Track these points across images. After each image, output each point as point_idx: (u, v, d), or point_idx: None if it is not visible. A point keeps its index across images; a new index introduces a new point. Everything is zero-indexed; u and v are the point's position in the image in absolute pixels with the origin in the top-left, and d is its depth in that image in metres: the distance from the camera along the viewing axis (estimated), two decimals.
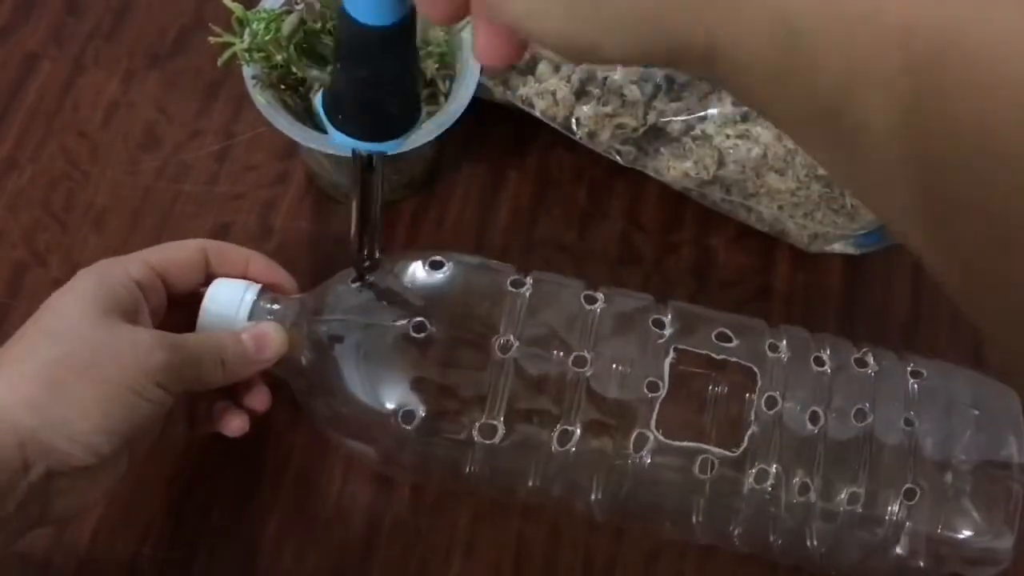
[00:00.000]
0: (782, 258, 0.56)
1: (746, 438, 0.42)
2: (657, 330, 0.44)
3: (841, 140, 0.23)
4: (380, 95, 0.35)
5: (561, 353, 0.43)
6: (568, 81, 0.52)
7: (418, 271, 0.44)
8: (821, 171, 0.51)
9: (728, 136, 0.51)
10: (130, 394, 0.38)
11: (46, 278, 0.54)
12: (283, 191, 0.56)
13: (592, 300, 0.45)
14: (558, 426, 0.42)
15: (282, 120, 0.50)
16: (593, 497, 0.44)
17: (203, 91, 0.59)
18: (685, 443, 0.42)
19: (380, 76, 0.34)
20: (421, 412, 0.42)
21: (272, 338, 0.43)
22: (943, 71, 0.20)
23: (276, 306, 0.44)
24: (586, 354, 0.43)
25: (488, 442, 0.42)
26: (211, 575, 0.47)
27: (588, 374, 0.42)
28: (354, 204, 0.41)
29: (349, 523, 0.48)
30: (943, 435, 0.42)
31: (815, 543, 0.43)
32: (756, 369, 0.43)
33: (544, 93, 0.52)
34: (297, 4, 0.52)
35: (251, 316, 0.44)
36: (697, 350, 0.43)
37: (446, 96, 0.52)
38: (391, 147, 0.37)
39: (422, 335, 0.42)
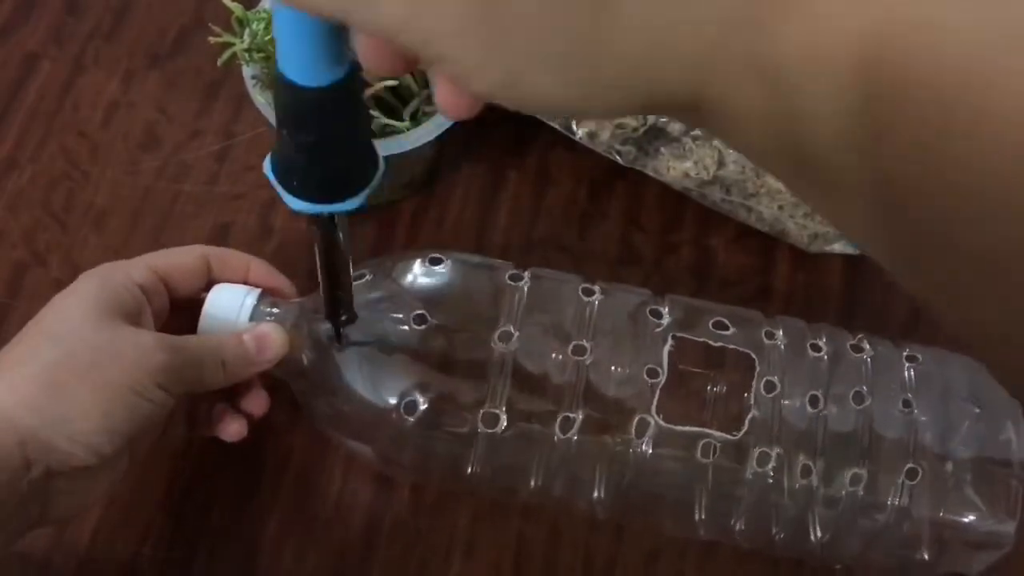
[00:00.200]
0: (782, 258, 0.56)
1: (747, 421, 0.42)
2: (655, 319, 0.44)
3: (814, 180, 0.23)
4: (333, 157, 0.32)
5: (561, 343, 0.43)
6: None
7: (417, 268, 0.45)
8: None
9: None
10: (131, 395, 0.38)
11: (46, 278, 0.54)
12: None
13: (590, 292, 0.45)
14: (560, 414, 0.42)
15: None
16: (595, 494, 0.44)
17: (203, 91, 0.59)
18: (686, 428, 0.42)
19: (330, 138, 0.31)
20: (423, 403, 0.42)
21: (273, 338, 0.43)
22: (898, 103, 0.20)
23: (276, 309, 0.45)
24: (585, 343, 0.43)
25: (491, 431, 0.42)
26: (211, 575, 0.47)
27: (588, 362, 0.43)
28: (320, 265, 0.39)
29: (349, 523, 0.48)
30: (942, 422, 0.43)
31: (818, 533, 0.43)
32: (754, 355, 0.43)
33: None
34: None
35: (251, 320, 0.44)
36: (695, 338, 0.44)
37: None
38: (353, 204, 0.33)
39: (423, 327, 0.43)
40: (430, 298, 0.44)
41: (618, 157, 0.53)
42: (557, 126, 0.53)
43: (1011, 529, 0.42)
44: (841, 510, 0.42)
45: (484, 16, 0.22)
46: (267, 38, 0.50)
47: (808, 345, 0.45)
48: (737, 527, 0.44)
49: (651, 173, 0.54)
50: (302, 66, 0.28)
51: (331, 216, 0.35)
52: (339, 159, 0.32)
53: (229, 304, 0.44)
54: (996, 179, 0.19)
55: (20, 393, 0.37)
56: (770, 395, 0.42)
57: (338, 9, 0.23)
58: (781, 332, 0.45)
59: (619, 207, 0.57)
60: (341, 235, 0.37)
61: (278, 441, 0.50)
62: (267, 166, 0.33)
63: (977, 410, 0.43)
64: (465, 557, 0.48)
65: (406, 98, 0.53)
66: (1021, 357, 0.21)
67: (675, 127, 0.52)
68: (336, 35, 0.27)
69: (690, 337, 0.44)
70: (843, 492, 0.42)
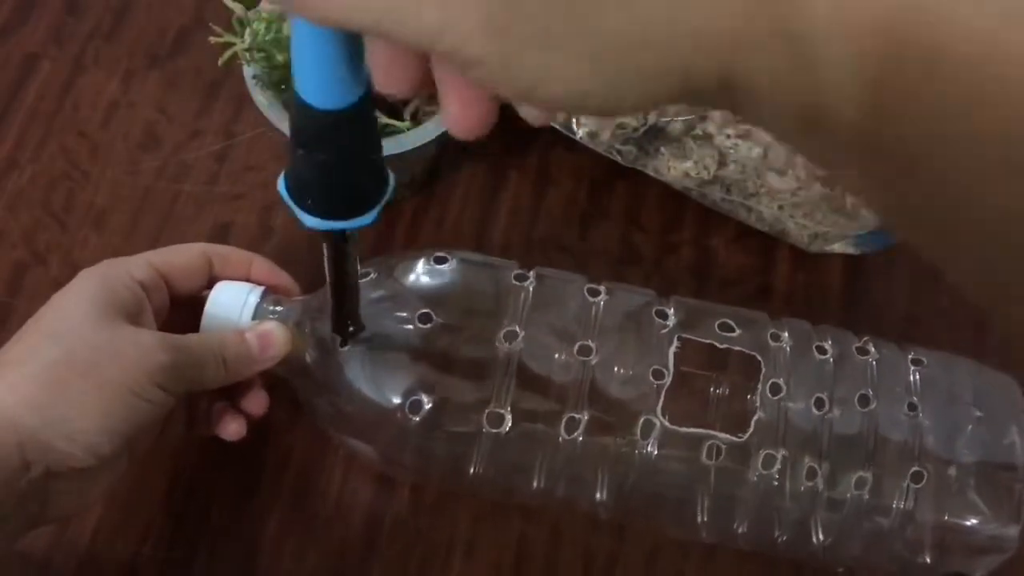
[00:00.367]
0: (782, 258, 0.56)
1: (752, 423, 0.42)
2: (661, 320, 0.44)
3: (831, 142, 0.23)
4: (347, 175, 0.33)
5: (566, 343, 0.43)
6: None
7: (422, 267, 0.45)
8: (821, 171, 0.51)
9: (728, 136, 0.51)
10: (131, 395, 0.38)
11: (46, 278, 0.53)
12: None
13: (595, 293, 0.45)
14: (565, 414, 0.42)
15: (283, 120, 0.49)
16: (598, 495, 0.44)
17: (203, 91, 0.59)
18: (691, 429, 0.42)
19: (345, 158, 0.32)
20: (427, 403, 0.42)
21: (276, 336, 0.43)
22: (921, 72, 0.21)
23: (279, 308, 0.45)
24: (591, 343, 0.43)
25: (495, 431, 0.42)
26: (211, 575, 0.47)
27: (593, 363, 0.43)
28: (329, 278, 0.39)
29: (349, 523, 0.48)
30: (946, 426, 0.43)
31: (820, 536, 0.43)
32: (759, 357, 0.43)
33: None
34: None
35: (254, 318, 0.44)
36: (701, 339, 0.43)
37: None
38: (366, 220, 0.34)
39: (427, 326, 0.42)
40: (435, 297, 0.44)
41: (618, 157, 0.53)
42: (557, 126, 0.53)
43: (1015, 533, 0.42)
44: (845, 513, 0.42)
45: (517, 16, 0.22)
46: (267, 38, 0.50)
47: (814, 347, 0.45)
48: (740, 530, 0.44)
49: (651, 173, 0.54)
50: (320, 89, 0.28)
51: (343, 232, 0.35)
52: (353, 177, 0.33)
53: (231, 302, 0.44)
54: (1018, 144, 0.20)
55: (19, 393, 0.37)
56: (776, 397, 0.42)
57: (369, 21, 0.23)
58: (787, 334, 0.45)
59: (619, 207, 0.57)
60: (352, 250, 0.38)
61: (278, 440, 0.50)
62: (281, 184, 0.34)
63: (981, 414, 0.43)
64: (465, 557, 0.48)
65: (406, 98, 0.53)
66: None
67: (675, 127, 0.52)
68: (353, 57, 0.27)
69: (696, 339, 0.43)
70: (848, 495, 0.42)
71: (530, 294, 0.44)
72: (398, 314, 0.43)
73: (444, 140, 0.51)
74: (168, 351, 0.39)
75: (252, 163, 0.57)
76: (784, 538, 0.43)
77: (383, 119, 0.51)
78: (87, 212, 0.56)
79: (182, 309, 0.45)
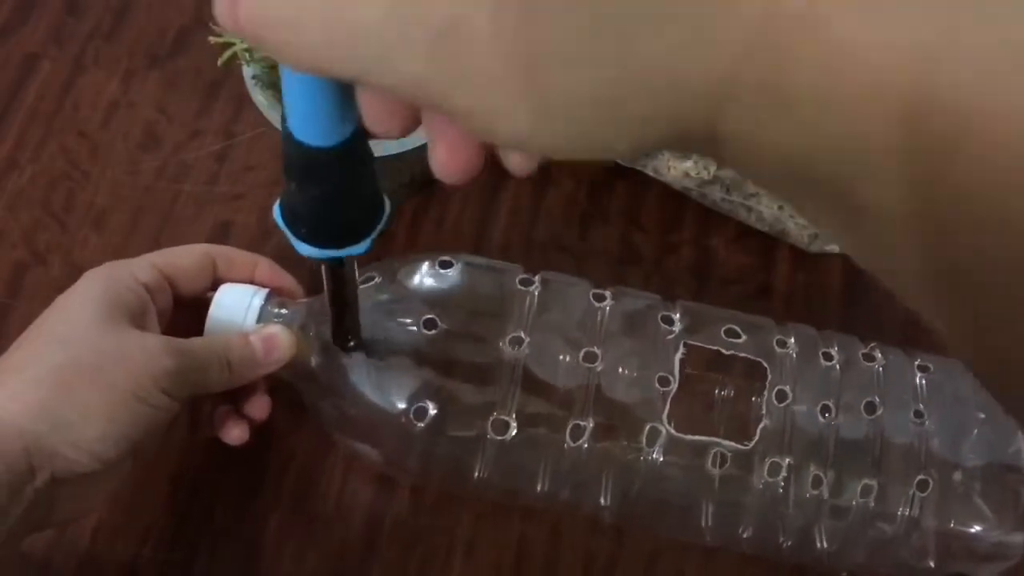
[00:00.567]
0: (782, 258, 0.56)
1: (758, 431, 0.42)
2: (666, 326, 0.44)
3: (848, 218, 0.22)
4: (341, 208, 0.33)
5: (572, 349, 0.43)
6: None
7: (427, 271, 0.45)
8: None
9: None
10: (136, 400, 0.38)
11: (46, 278, 0.53)
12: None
13: (601, 298, 0.45)
14: (570, 421, 0.42)
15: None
16: (602, 501, 0.44)
17: (203, 91, 0.59)
18: (697, 437, 0.42)
19: (337, 192, 0.32)
20: (432, 409, 0.42)
21: (281, 340, 0.43)
22: (952, 154, 0.19)
23: (284, 310, 0.44)
24: (596, 350, 0.43)
25: (500, 438, 0.42)
26: (212, 575, 0.47)
27: (599, 369, 0.43)
28: (328, 299, 0.39)
29: (349, 523, 0.48)
30: (952, 432, 0.42)
31: (824, 544, 0.43)
32: (766, 364, 0.43)
33: None
34: None
35: (259, 321, 0.44)
36: (707, 346, 0.43)
37: None
38: (361, 249, 0.35)
39: (432, 331, 0.42)
40: (439, 302, 0.44)
41: None
42: None
43: (1020, 540, 0.42)
44: (850, 521, 0.42)
45: (505, 66, 0.22)
46: None
47: (820, 353, 0.44)
48: (744, 535, 0.43)
49: (651, 173, 0.54)
50: (311, 127, 0.28)
51: (339, 259, 0.35)
52: (346, 210, 0.33)
53: (236, 304, 0.44)
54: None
55: (25, 399, 0.37)
56: (782, 404, 0.42)
57: (354, 71, 0.23)
58: (793, 340, 0.44)
59: (619, 207, 0.57)
60: (349, 273, 0.38)
61: (279, 442, 0.49)
62: (276, 213, 0.34)
63: (986, 420, 0.43)
64: (465, 557, 0.48)
65: None
66: None
67: None
68: (344, 97, 0.27)
69: (702, 345, 0.43)
70: (853, 503, 0.42)
71: (535, 299, 0.44)
72: (402, 319, 0.43)
73: None
74: (173, 355, 0.39)
75: (252, 163, 0.57)
76: (788, 544, 0.43)
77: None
78: (87, 212, 0.56)
79: (186, 311, 0.44)
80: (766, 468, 0.42)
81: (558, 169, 0.58)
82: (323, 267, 0.37)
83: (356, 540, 0.48)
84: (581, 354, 0.43)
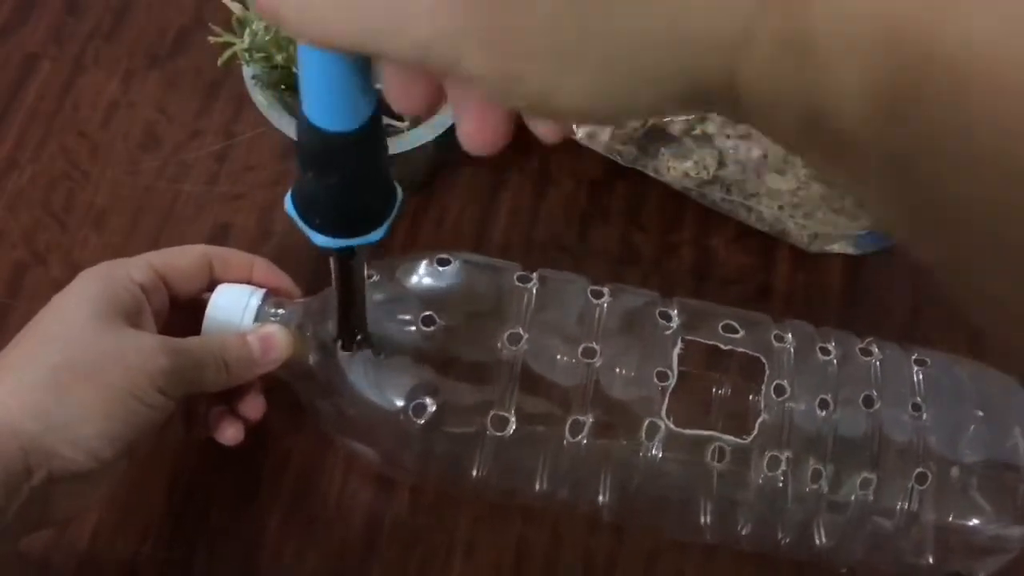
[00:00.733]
0: (782, 258, 0.56)
1: (757, 425, 0.42)
2: (664, 322, 0.44)
3: (856, 166, 0.23)
4: (356, 195, 0.33)
5: (570, 345, 0.43)
6: None
7: (425, 269, 0.45)
8: (820, 174, 0.51)
9: (728, 136, 0.51)
10: (132, 399, 0.38)
11: (46, 278, 0.53)
12: (283, 191, 0.55)
13: (599, 295, 0.45)
14: (569, 417, 0.42)
15: (282, 120, 0.49)
16: (601, 498, 0.44)
17: (203, 91, 0.59)
18: (696, 431, 0.42)
19: (354, 179, 0.32)
20: (431, 406, 0.42)
21: (278, 339, 0.43)
22: (963, 100, 0.20)
23: (281, 310, 0.44)
24: (595, 346, 0.43)
25: (499, 434, 0.42)
26: (211, 575, 0.47)
27: (597, 365, 0.43)
28: (336, 292, 0.39)
29: (349, 523, 0.48)
30: (949, 426, 0.43)
31: (823, 539, 0.43)
32: (763, 359, 0.43)
33: None
34: None
35: (256, 321, 0.44)
36: (705, 341, 0.43)
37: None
38: (375, 237, 0.35)
39: (430, 328, 0.42)
40: (438, 299, 0.44)
41: (618, 157, 0.53)
42: None
43: (1018, 533, 0.42)
44: (849, 515, 0.42)
45: (513, 26, 0.22)
46: (267, 38, 0.50)
47: (817, 348, 0.44)
48: (743, 531, 0.43)
49: (651, 173, 0.54)
50: (328, 112, 0.28)
51: (351, 248, 0.35)
52: (361, 196, 0.33)
53: (233, 305, 0.44)
54: (1013, 152, 0.19)
55: (21, 398, 0.37)
56: (780, 399, 0.42)
57: (364, 40, 0.23)
58: (790, 335, 0.45)
59: (619, 207, 0.57)
60: (359, 265, 0.38)
61: (278, 441, 0.49)
62: (288, 203, 0.34)
63: (984, 415, 0.43)
64: (465, 558, 0.48)
65: None
66: None
67: (675, 127, 0.52)
68: (362, 78, 0.27)
69: (700, 340, 0.43)
70: (852, 497, 0.42)
71: (533, 296, 0.44)
72: (401, 317, 0.43)
73: (444, 140, 0.51)
74: (169, 354, 0.39)
75: (252, 163, 0.57)
76: (787, 541, 0.43)
77: (383, 119, 0.51)
78: (87, 212, 0.56)
79: (182, 312, 0.44)
80: (765, 462, 0.42)
81: (558, 169, 0.58)
82: (332, 259, 0.37)
83: (356, 540, 0.48)
84: (579, 350, 0.43)
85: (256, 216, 0.56)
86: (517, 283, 0.45)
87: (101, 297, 0.40)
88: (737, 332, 0.44)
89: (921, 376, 0.44)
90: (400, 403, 0.42)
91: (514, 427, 0.42)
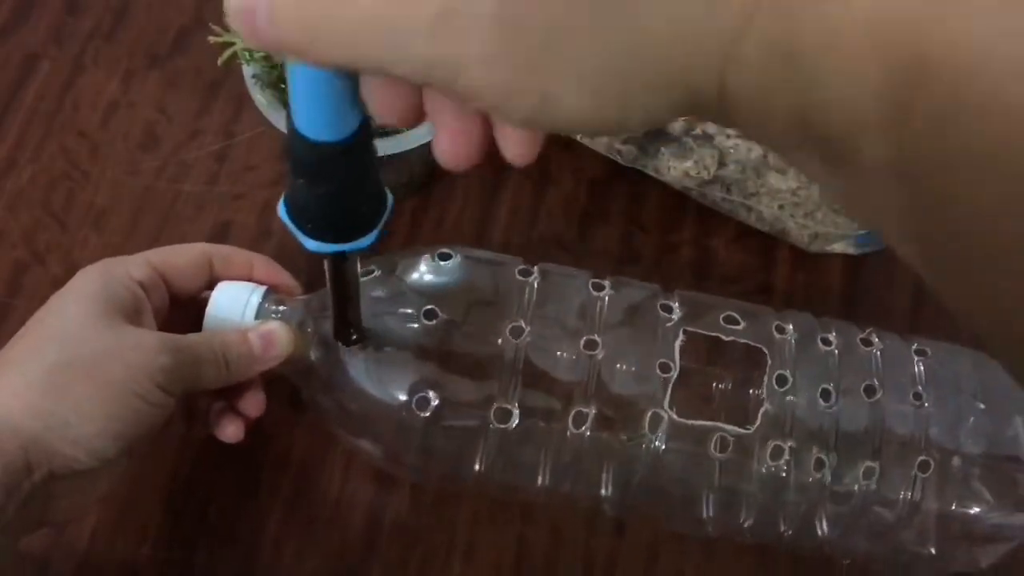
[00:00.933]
0: (782, 258, 0.56)
1: (759, 415, 0.42)
2: (666, 314, 0.44)
3: (849, 174, 0.23)
4: (346, 202, 0.33)
5: (572, 338, 0.43)
6: None
7: (427, 263, 0.45)
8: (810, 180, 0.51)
9: (729, 136, 0.51)
10: (133, 397, 0.38)
11: (46, 278, 0.54)
12: (283, 191, 0.56)
13: (600, 288, 0.45)
14: (572, 409, 0.42)
15: (282, 120, 0.49)
16: (604, 491, 0.44)
17: (203, 91, 0.59)
18: (699, 422, 0.42)
19: (344, 187, 0.32)
20: (434, 400, 0.42)
21: (279, 336, 0.43)
22: (954, 109, 0.20)
23: (282, 307, 0.44)
24: (597, 338, 0.43)
25: (503, 427, 0.42)
26: (211, 575, 0.47)
27: (600, 357, 0.43)
28: (331, 294, 0.39)
29: (349, 523, 0.48)
30: (950, 416, 0.43)
31: (825, 529, 0.43)
32: (765, 349, 0.43)
33: None
34: None
35: (257, 318, 0.44)
36: (707, 332, 0.43)
37: None
38: (366, 242, 0.35)
39: (433, 322, 0.42)
40: (440, 293, 0.44)
41: (618, 157, 0.53)
42: None
43: (1019, 522, 0.42)
44: (852, 505, 0.42)
45: (512, 43, 0.22)
46: None
47: (818, 339, 0.45)
48: (746, 523, 0.44)
49: (651, 173, 0.54)
50: (316, 123, 0.28)
51: (343, 253, 0.35)
52: (352, 205, 0.33)
53: (234, 302, 0.44)
54: (1011, 155, 0.19)
55: (21, 397, 0.37)
56: (782, 389, 0.42)
57: (366, 59, 0.23)
58: (791, 326, 0.45)
59: (619, 207, 0.57)
60: (352, 268, 0.38)
61: (278, 440, 0.50)
62: (281, 209, 0.34)
63: (985, 405, 0.43)
64: (465, 557, 0.47)
65: None
66: None
67: (675, 127, 0.52)
68: (349, 91, 0.27)
69: (702, 332, 0.44)
70: (855, 486, 0.42)
71: (535, 289, 0.44)
72: (403, 311, 0.43)
73: None
74: (169, 352, 0.39)
75: (252, 163, 0.57)
76: (790, 532, 0.43)
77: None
78: (87, 212, 0.56)
79: (182, 310, 0.44)
80: (768, 452, 0.42)
81: (558, 168, 0.58)
82: (326, 262, 0.37)
83: (356, 539, 0.48)
84: (582, 343, 0.43)
85: (256, 216, 0.56)
86: (519, 277, 0.45)
87: (100, 295, 0.40)
88: (738, 324, 0.44)
89: (922, 366, 0.44)
90: (403, 397, 0.42)
91: (517, 420, 0.42)
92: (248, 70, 0.51)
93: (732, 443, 0.42)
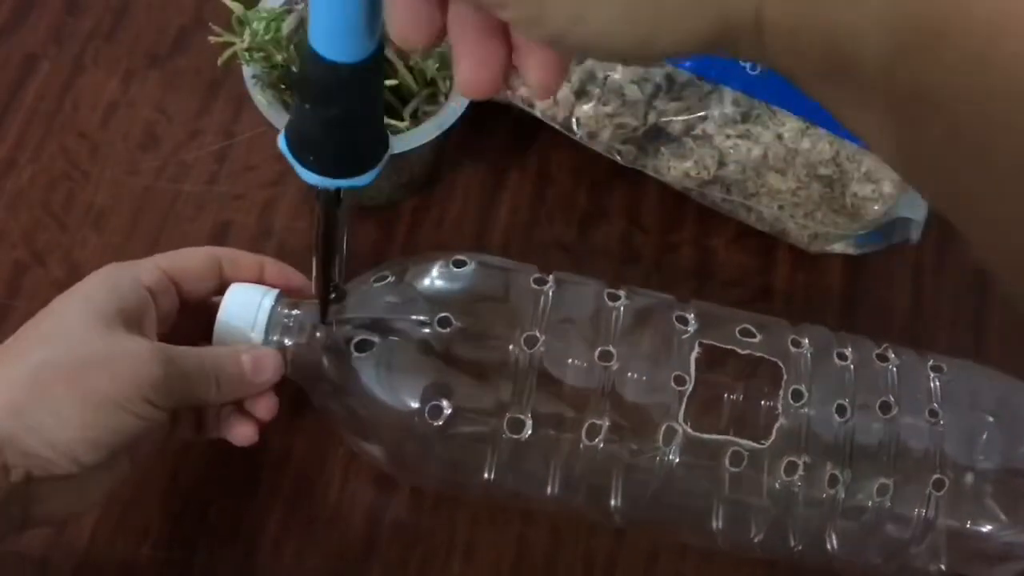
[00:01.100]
0: (782, 258, 0.56)
1: (774, 430, 0.42)
2: (681, 326, 0.44)
3: (866, 97, 0.23)
4: (353, 132, 0.33)
5: (586, 348, 0.43)
6: (568, 81, 0.52)
7: (440, 270, 0.44)
8: (822, 171, 0.51)
9: (728, 136, 0.51)
10: (117, 408, 0.37)
11: (46, 278, 0.53)
12: (283, 191, 0.56)
13: (615, 298, 0.45)
14: (585, 420, 0.42)
15: (282, 120, 0.49)
16: (613, 503, 0.43)
17: (203, 91, 0.59)
18: (714, 436, 0.42)
19: (353, 113, 0.32)
20: (447, 408, 0.42)
21: (268, 363, 0.42)
22: (943, 13, 0.21)
23: (296, 311, 0.44)
24: (611, 349, 0.43)
25: (515, 437, 0.42)
26: (211, 575, 0.47)
27: (614, 368, 0.42)
28: (316, 241, 0.39)
29: (349, 523, 0.48)
30: (964, 433, 0.42)
31: (836, 547, 0.42)
32: (781, 363, 0.43)
33: None
34: (297, 4, 0.52)
35: (270, 322, 0.43)
36: (722, 345, 0.43)
37: (446, 96, 0.52)
38: (364, 180, 0.35)
39: (446, 330, 0.42)
40: (454, 301, 0.43)
41: (618, 157, 0.53)
42: (557, 126, 0.53)
43: None
44: (866, 521, 0.42)
45: None
46: (267, 38, 0.50)
47: (834, 354, 0.44)
48: (756, 538, 0.43)
49: (651, 173, 0.54)
50: (336, 42, 0.29)
51: (337, 192, 0.35)
52: (357, 135, 0.33)
53: (246, 304, 0.43)
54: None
55: (4, 394, 0.36)
56: (797, 404, 0.42)
57: None
58: (807, 340, 0.44)
59: (619, 207, 0.57)
60: (343, 212, 0.38)
61: (278, 441, 0.49)
62: (281, 140, 0.34)
63: (996, 424, 0.43)
64: (465, 558, 0.47)
65: (406, 98, 0.53)
66: None
67: (675, 127, 0.52)
68: (370, 10, 0.28)
69: (717, 345, 0.43)
70: (869, 503, 0.42)
71: (550, 299, 0.44)
72: (416, 317, 0.43)
73: (444, 140, 0.51)
74: (162, 364, 0.38)
75: (252, 163, 0.57)
76: (800, 547, 0.43)
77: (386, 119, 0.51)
78: (87, 212, 0.56)
79: (192, 314, 0.44)
80: (783, 467, 0.41)
81: (558, 168, 0.58)
82: (318, 205, 0.37)
83: (356, 540, 0.48)
84: (596, 353, 0.43)
85: (256, 216, 0.56)
86: (533, 285, 0.44)
87: (104, 299, 0.40)
88: (754, 336, 0.44)
89: (937, 383, 0.44)
90: (415, 405, 0.42)
91: (530, 429, 0.42)
92: (248, 70, 0.51)
93: (746, 457, 0.41)
